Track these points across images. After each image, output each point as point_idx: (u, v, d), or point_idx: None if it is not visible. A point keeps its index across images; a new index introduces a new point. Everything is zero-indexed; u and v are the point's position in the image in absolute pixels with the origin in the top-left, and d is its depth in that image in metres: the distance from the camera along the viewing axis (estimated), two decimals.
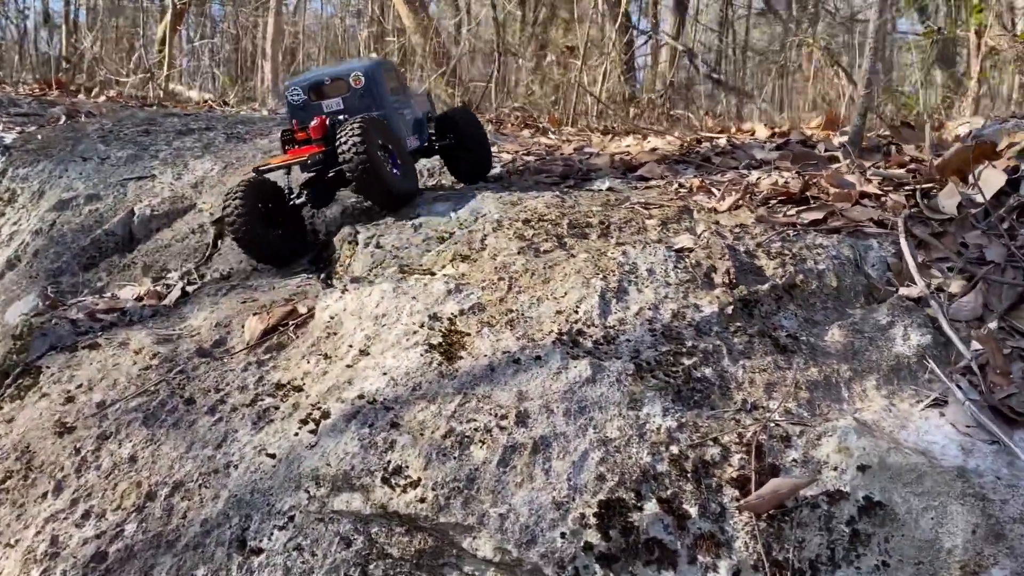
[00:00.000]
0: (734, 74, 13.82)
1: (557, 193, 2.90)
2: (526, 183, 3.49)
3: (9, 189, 4.37)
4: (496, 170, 3.92)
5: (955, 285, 2.25)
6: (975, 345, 2.03)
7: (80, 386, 2.39)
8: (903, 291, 2.22)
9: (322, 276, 2.95)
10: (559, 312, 2.08)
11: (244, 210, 2.93)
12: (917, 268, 2.27)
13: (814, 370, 1.95)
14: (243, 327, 2.53)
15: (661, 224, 2.58)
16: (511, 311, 2.11)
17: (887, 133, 3.89)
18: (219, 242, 3.74)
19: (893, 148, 3.60)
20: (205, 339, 2.49)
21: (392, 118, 3.17)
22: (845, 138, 4.24)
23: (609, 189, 3.09)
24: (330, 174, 3.00)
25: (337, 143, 2.83)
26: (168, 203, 4.07)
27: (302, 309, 2.54)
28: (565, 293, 2.14)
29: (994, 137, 3.82)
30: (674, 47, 11.53)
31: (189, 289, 3.33)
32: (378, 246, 2.70)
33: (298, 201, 3.13)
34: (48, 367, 2.59)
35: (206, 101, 7.28)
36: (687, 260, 2.26)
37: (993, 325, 2.07)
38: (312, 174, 3.08)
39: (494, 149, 4.55)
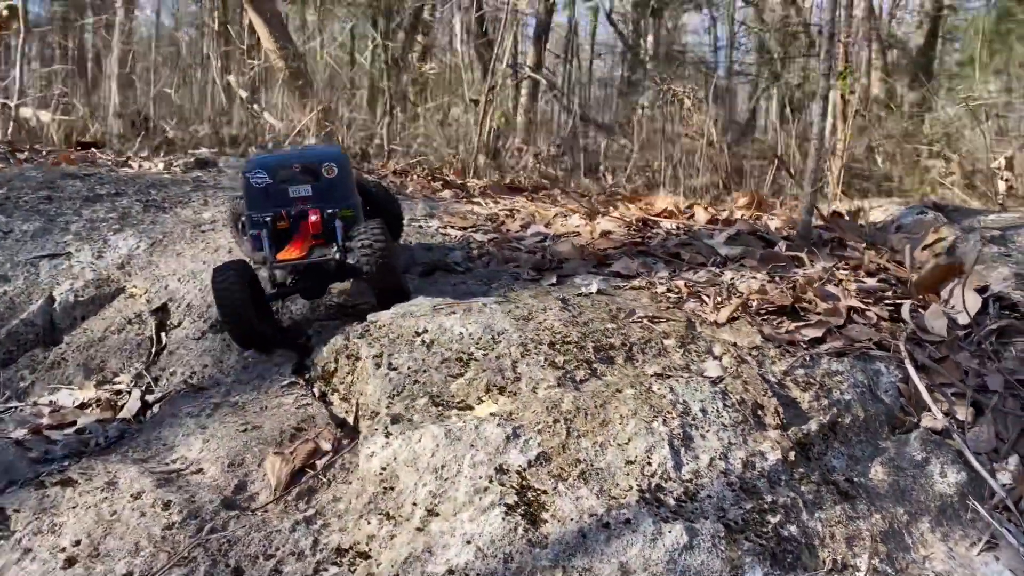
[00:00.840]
0: (595, 111, 14.28)
1: (561, 303, 2.88)
2: (502, 277, 3.44)
3: None
4: (456, 255, 3.85)
5: (964, 412, 2.43)
6: (1002, 479, 2.19)
7: (79, 543, 2.14)
8: (927, 423, 2.37)
9: (317, 393, 2.79)
10: (630, 463, 2.07)
11: (239, 290, 2.89)
12: (931, 397, 2.43)
13: (877, 517, 2.04)
14: (260, 466, 2.35)
15: (680, 345, 2.62)
16: (579, 461, 2.08)
17: (822, 223, 4.14)
18: (162, 336, 3.46)
19: (837, 241, 3.84)
20: (221, 483, 2.28)
21: (359, 210, 3.17)
22: (775, 222, 4.49)
23: (600, 292, 3.11)
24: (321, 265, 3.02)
25: (357, 241, 2.89)
26: (93, 287, 3.72)
27: (325, 445, 2.39)
28: (629, 439, 2.13)
29: (915, 229, 4.16)
30: (537, 81, 11.76)
31: (149, 398, 3.06)
32: (392, 367, 2.58)
33: (283, 292, 3.13)
34: (16, 510, 2.30)
35: (79, 144, 6.69)
36: (731, 396, 2.32)
37: (1014, 460, 2.24)
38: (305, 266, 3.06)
39: (434, 223, 4.49)
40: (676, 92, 11.02)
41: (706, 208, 4.55)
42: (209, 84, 11.93)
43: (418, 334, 2.74)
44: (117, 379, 3.24)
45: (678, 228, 4.14)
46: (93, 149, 6.22)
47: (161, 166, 5.64)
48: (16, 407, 3.17)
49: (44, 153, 6.19)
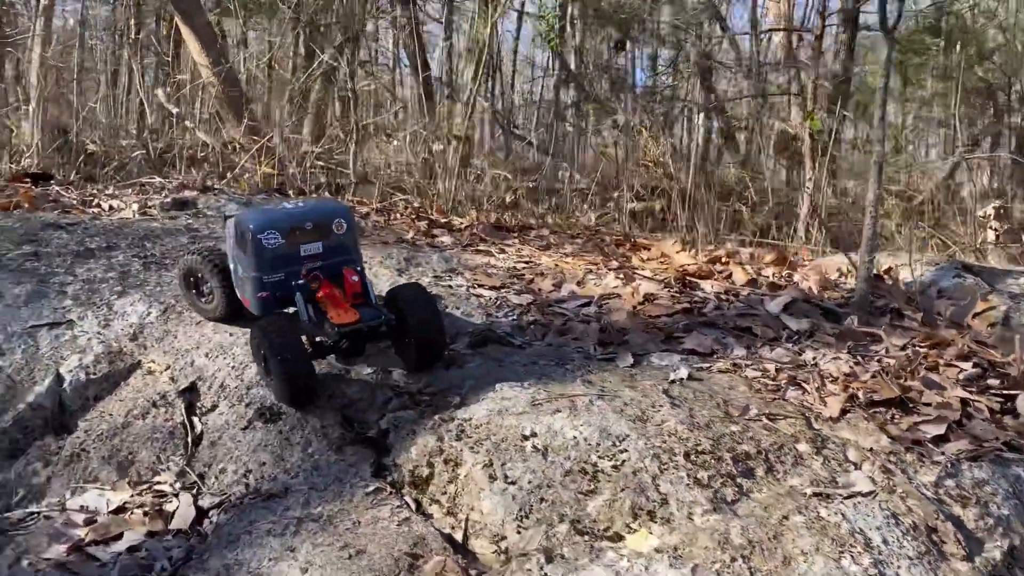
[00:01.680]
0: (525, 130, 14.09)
1: (668, 399, 2.68)
2: (571, 356, 3.20)
3: None
4: (503, 324, 3.60)
5: None
6: None
7: None
8: None
9: (412, 503, 2.49)
10: None
11: (295, 339, 2.79)
12: None
13: None
14: None
15: (815, 452, 2.46)
16: None
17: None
18: (194, 421, 3.08)
19: (893, 311, 3.77)
20: None
21: (362, 263, 3.12)
22: (810, 282, 4.40)
23: (691, 379, 2.92)
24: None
25: (407, 304, 2.90)
26: (105, 362, 3.30)
27: None
28: None
29: (958, 294, 4.13)
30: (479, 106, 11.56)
31: (203, 503, 2.70)
32: (508, 480, 2.32)
33: (324, 352, 2.98)
34: None
35: (28, 177, 6.09)
36: (903, 521, 2.16)
37: None
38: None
39: (460, 281, 4.22)
40: (636, 125, 10.99)
41: (727, 259, 4.46)
42: (124, 95, 11.24)
43: (526, 438, 2.49)
44: (157, 478, 2.85)
45: (726, 293, 4.00)
46: (52, 184, 5.66)
47: (136, 207, 5.16)
48: (39, 512, 2.76)
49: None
